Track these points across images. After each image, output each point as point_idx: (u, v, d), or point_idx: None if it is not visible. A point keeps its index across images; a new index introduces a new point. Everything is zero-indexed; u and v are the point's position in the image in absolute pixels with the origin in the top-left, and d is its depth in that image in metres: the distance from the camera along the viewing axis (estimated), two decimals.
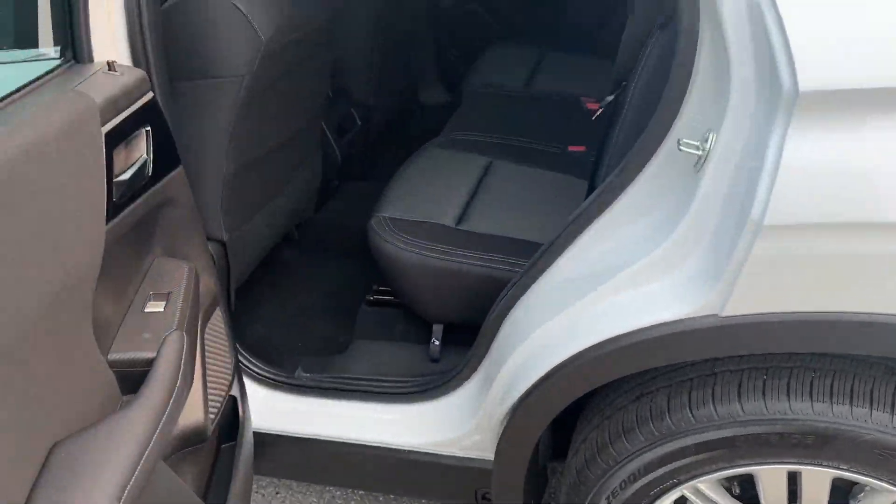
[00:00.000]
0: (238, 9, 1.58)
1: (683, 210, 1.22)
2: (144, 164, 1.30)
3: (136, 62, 1.37)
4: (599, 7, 3.19)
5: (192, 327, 1.34)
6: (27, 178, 0.99)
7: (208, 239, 1.80)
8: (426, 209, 1.91)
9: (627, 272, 1.27)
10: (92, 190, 1.14)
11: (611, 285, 1.28)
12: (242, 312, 2.03)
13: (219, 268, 1.85)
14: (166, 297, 1.32)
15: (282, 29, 1.69)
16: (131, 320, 1.28)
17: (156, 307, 1.30)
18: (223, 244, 1.84)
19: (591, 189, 1.62)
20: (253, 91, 1.68)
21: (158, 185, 1.35)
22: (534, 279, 1.44)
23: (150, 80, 1.38)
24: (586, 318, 1.30)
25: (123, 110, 1.24)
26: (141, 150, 1.30)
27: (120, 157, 1.24)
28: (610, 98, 1.58)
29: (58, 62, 1.29)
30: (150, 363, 1.20)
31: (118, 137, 1.22)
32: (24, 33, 1.39)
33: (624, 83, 1.56)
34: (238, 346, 1.77)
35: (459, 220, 1.89)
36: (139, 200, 1.29)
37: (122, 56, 1.36)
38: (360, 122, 2.63)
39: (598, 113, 1.69)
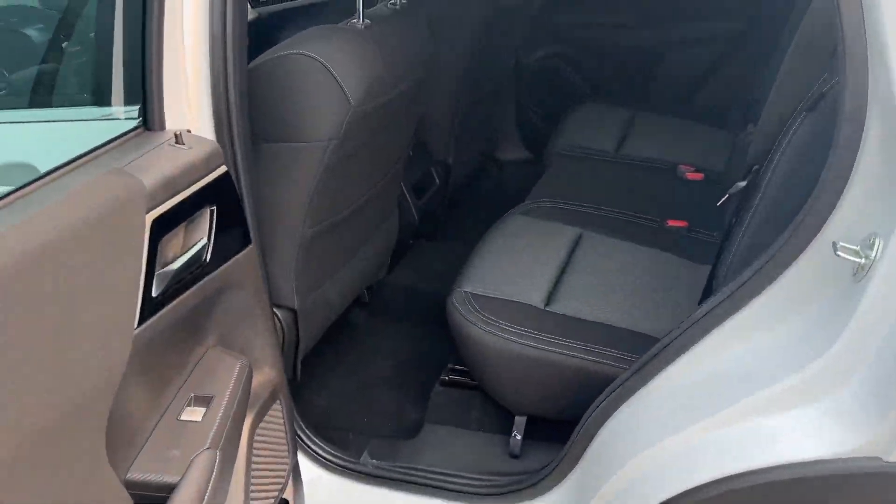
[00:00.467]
0: (329, 71, 1.47)
1: (837, 325, 1.03)
2: (202, 250, 1.16)
3: (219, 127, 1.25)
4: (694, 68, 3.02)
5: (233, 438, 1.19)
6: (38, 279, 0.85)
7: (278, 306, 1.68)
8: (512, 286, 1.75)
9: (765, 393, 1.08)
10: (122, 291, 0.99)
11: (744, 406, 1.09)
12: (307, 383, 1.90)
13: (288, 338, 1.73)
14: (207, 402, 1.18)
15: (372, 92, 1.58)
16: (164, 429, 1.14)
17: (193, 415, 1.16)
18: (294, 312, 1.72)
19: (710, 280, 1.44)
20: (337, 156, 1.57)
21: (218, 271, 1.20)
22: (643, 381, 1.27)
23: (232, 148, 1.27)
24: (713, 444, 1.11)
25: (182, 190, 1.10)
26: (201, 232, 1.16)
27: (171, 244, 1.10)
28: (742, 184, 1.41)
29: (129, 126, 1.18)
30: (171, 489, 1.05)
31: (170, 222, 1.08)
32: (99, 91, 1.31)
33: (756, 167, 1.39)
34: (301, 423, 1.64)
35: (549, 301, 1.72)
36: (190, 291, 1.14)
37: (204, 120, 1.24)
38: (438, 181, 2.51)
39: (725, 199, 1.52)
